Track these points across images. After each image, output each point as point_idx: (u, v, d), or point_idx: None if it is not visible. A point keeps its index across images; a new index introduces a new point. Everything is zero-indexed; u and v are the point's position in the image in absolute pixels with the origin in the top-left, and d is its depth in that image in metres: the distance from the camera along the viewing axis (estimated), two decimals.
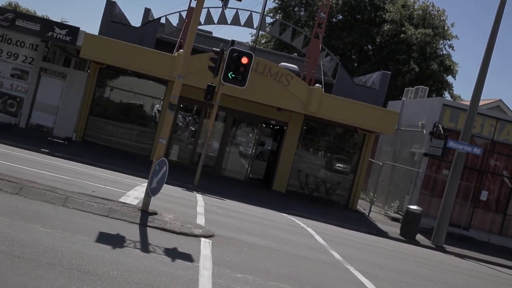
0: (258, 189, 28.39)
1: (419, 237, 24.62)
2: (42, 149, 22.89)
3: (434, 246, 23.89)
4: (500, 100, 41.05)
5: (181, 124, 31.11)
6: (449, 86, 51.73)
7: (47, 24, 27.44)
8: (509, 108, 40.63)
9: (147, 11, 36.93)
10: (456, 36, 52.59)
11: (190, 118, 31.20)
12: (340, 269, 13.11)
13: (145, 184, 13.81)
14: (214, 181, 26.63)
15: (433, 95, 44.96)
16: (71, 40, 26.80)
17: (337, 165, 30.90)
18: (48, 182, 14.35)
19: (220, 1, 13.14)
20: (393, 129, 27.95)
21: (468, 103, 26.78)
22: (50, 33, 26.70)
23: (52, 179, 15.55)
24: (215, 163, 29.33)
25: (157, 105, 30.11)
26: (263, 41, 56.25)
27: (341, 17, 53.61)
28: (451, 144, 24.61)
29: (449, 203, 24.74)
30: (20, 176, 14.01)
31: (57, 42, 27.93)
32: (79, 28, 27.03)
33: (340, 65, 33.69)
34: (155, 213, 13.31)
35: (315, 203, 27.54)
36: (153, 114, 30.29)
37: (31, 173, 15.99)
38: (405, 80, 47.09)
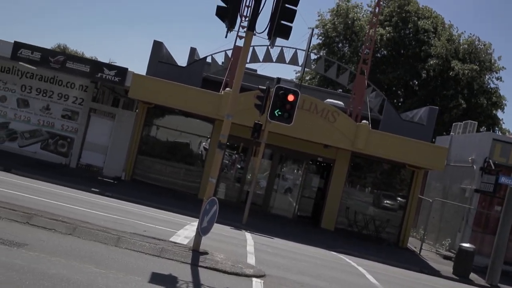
0: (307, 227, 28.14)
1: (473, 276, 24.00)
2: (92, 189, 23.12)
3: (489, 286, 23.26)
4: None
5: (227, 162, 31.18)
6: (498, 121, 50.93)
7: (96, 65, 27.98)
8: None
9: (193, 51, 37.41)
10: (503, 67, 51.91)
11: (236, 156, 31.25)
12: None
13: (195, 223, 13.83)
14: (262, 219, 26.50)
15: (482, 130, 44.30)
16: (119, 80, 27.24)
17: (385, 201, 30.47)
18: (100, 222, 14.46)
19: (268, 40, 13.16)
20: (442, 164, 27.51)
21: None
22: (99, 74, 27.19)
23: (104, 219, 15.66)
24: (262, 201, 29.26)
25: (204, 143, 30.28)
26: (307, 78, 56.33)
27: (385, 52, 53.48)
28: (503, 179, 24.12)
29: (503, 240, 24.13)
30: (73, 216, 14.15)
31: (106, 83, 28.44)
32: (127, 68, 27.46)
33: (386, 100, 33.46)
34: (206, 253, 13.27)
35: (365, 241, 27.15)
36: (200, 152, 30.45)
37: (83, 213, 16.14)
38: (453, 116, 46.52)
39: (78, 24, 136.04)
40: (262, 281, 12.18)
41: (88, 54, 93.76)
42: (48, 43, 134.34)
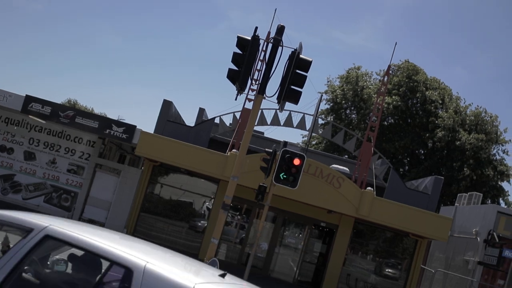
0: None
1: None
2: None
3: None
4: None
5: (230, 223, 31.07)
6: (503, 192, 50.79)
7: (105, 121, 28.23)
8: None
9: (201, 111, 37.79)
10: (510, 141, 52.06)
11: (239, 217, 31.17)
12: None
13: None
14: (261, 282, 26.07)
15: (488, 202, 44.16)
16: (127, 137, 27.45)
17: (387, 270, 30.21)
18: None
19: (277, 104, 13.32)
20: (446, 235, 27.37)
21: None
22: (107, 131, 27.42)
23: None
24: (263, 264, 29.04)
25: (207, 203, 30.26)
26: (314, 143, 56.59)
27: (392, 121, 53.83)
28: (506, 253, 24.03)
29: None
30: None
31: (113, 139, 28.65)
32: (135, 126, 27.70)
33: (392, 168, 33.54)
34: None
35: None
36: (203, 212, 30.41)
37: None
38: (461, 187, 46.41)
39: (89, 82, 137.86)
40: None
41: (97, 110, 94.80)
42: (58, 99, 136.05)
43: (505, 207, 45.70)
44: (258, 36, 12.76)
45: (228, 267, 26.07)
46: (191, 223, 29.73)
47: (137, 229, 28.68)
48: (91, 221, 28.47)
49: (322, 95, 39.75)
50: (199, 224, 29.78)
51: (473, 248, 29.13)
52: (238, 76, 12.82)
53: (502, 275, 27.34)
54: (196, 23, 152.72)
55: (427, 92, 52.35)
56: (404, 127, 52.74)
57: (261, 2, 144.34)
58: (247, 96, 30.52)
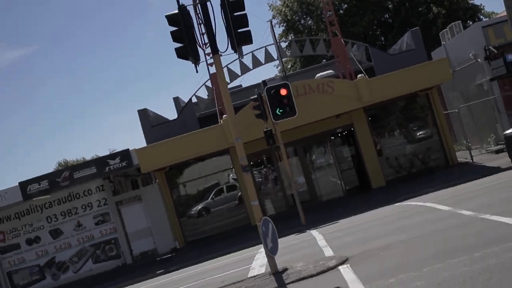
0: (361, 195, 28.05)
1: None
2: (157, 272, 23.20)
3: None
4: None
5: (261, 179, 31.20)
6: (478, 9, 50.50)
7: (100, 162, 28.10)
8: None
9: (177, 100, 37.53)
10: None
11: (265, 169, 31.27)
12: (478, 221, 12.73)
13: (262, 250, 13.81)
14: (318, 211, 26.48)
15: (469, 24, 43.89)
16: (127, 163, 27.39)
17: (418, 134, 30.35)
18: None
19: (235, 53, 13.22)
20: (449, 74, 27.42)
21: (504, 14, 26.10)
22: (107, 168, 27.36)
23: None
24: (309, 195, 29.24)
25: (231, 175, 30.36)
26: (289, 66, 56.32)
27: (345, 5, 53.26)
28: (510, 57, 24.05)
29: None
30: None
31: (117, 172, 28.55)
32: (128, 149, 27.63)
33: (369, 46, 33.42)
34: (286, 269, 13.28)
35: (418, 179, 27.02)
36: (232, 185, 30.53)
37: None
38: (438, 26, 46.14)
39: (65, 133, 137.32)
40: (348, 265, 12.15)
41: (88, 156, 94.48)
42: (50, 164, 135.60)
43: (487, 19, 45.48)
44: (184, 5, 12.60)
45: (281, 217, 26.39)
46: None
47: (186, 234, 28.89)
48: (143, 254, 28.65)
49: (271, 21, 39.40)
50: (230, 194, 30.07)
51: (479, 70, 29.15)
52: (187, 51, 12.69)
53: None
54: (128, 23, 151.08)
55: None
56: (360, 4, 52.10)
57: None
58: (207, 62, 30.27)
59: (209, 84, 31.63)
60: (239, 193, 29.32)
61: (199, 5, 12.57)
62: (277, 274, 13.04)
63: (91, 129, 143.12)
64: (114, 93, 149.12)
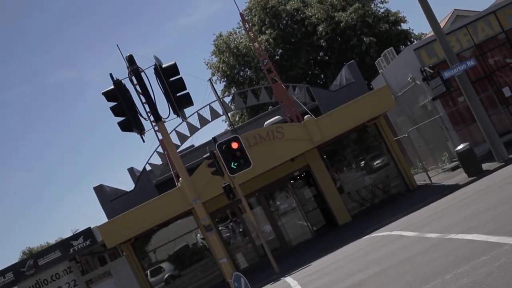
0: (329, 234, 28.08)
1: (485, 166, 24.31)
2: None
3: (503, 163, 23.55)
4: (455, 9, 41.32)
5: (228, 234, 31.08)
6: (408, 33, 51.83)
7: (63, 245, 27.69)
8: (464, 10, 40.98)
9: (131, 170, 37.34)
10: None
11: (231, 224, 31.17)
12: (444, 242, 12.88)
13: None
14: (289, 256, 26.42)
15: (402, 48, 44.99)
16: (91, 241, 27.07)
17: (375, 163, 30.67)
18: None
19: (178, 117, 13.27)
20: (392, 101, 27.97)
21: (432, 33, 26.85)
22: (71, 250, 26.99)
23: None
24: (279, 242, 29.15)
25: (198, 235, 30.17)
26: (237, 119, 56.76)
27: (280, 50, 54.16)
28: (446, 74, 24.63)
29: (485, 120, 24.60)
30: None
31: (82, 252, 28.12)
32: (90, 227, 27.35)
33: (310, 87, 33.95)
34: None
35: (382, 208, 27.23)
36: (201, 244, 30.30)
37: None
38: (373, 56, 47.12)
39: (26, 221, 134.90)
40: None
41: (52, 239, 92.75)
42: (15, 255, 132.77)
43: (417, 41, 46.70)
44: (118, 79, 12.62)
45: (255, 269, 26.23)
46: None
47: None
48: None
49: (210, 80, 39.82)
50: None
51: (420, 92, 29.75)
52: (130, 123, 12.68)
53: (458, 93, 28.00)
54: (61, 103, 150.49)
55: (287, 6, 52.72)
56: (294, 47, 53.07)
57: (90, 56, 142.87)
58: (154, 129, 30.27)
59: (160, 150, 31.61)
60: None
61: (134, 77, 12.59)
62: None
63: (50, 213, 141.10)
64: (69, 173, 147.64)
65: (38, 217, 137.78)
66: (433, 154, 31.68)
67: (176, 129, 32.73)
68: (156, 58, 12.81)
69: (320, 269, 18.80)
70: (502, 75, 29.34)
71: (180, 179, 25.92)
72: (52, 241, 75.54)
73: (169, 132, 17.42)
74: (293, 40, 53.09)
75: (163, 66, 12.79)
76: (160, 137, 29.59)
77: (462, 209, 16.90)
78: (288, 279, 19.87)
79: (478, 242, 11.42)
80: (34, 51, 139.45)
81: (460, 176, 24.93)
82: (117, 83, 12.36)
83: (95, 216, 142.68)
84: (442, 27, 25.48)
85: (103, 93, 12.50)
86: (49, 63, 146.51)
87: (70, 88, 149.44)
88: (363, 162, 30.60)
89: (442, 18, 41.84)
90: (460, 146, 24.38)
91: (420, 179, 29.97)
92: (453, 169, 28.10)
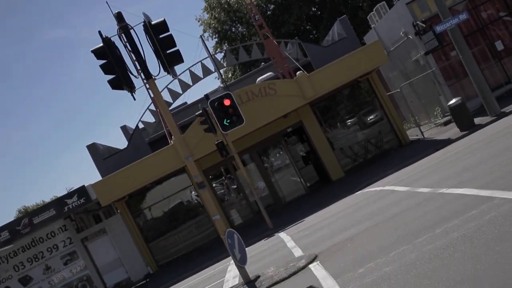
0: (322, 189, 28.22)
1: (477, 120, 24.37)
2: None
3: (496, 117, 23.58)
4: None
5: (223, 191, 31.21)
6: None
7: (58, 203, 27.74)
8: None
9: (124, 128, 37.28)
10: None
11: (226, 180, 31.28)
12: (436, 197, 12.98)
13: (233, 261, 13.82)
14: (283, 213, 26.59)
15: (394, 2, 44.61)
16: (86, 200, 27.13)
17: (368, 119, 30.66)
18: None
19: (168, 74, 13.20)
20: (384, 56, 27.84)
21: None
22: (66, 208, 27.06)
23: None
24: (273, 199, 29.31)
25: (193, 192, 30.25)
26: (230, 76, 56.53)
27: (272, 6, 53.68)
28: (438, 28, 24.50)
29: (477, 74, 24.55)
30: None
31: (77, 210, 28.22)
32: (84, 185, 27.39)
33: (302, 42, 33.71)
34: (258, 276, 13.33)
35: (375, 163, 27.36)
36: (196, 201, 30.42)
37: None
38: (365, 10, 46.77)
39: (21, 180, 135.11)
40: (318, 262, 12.26)
41: (48, 198, 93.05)
42: (11, 213, 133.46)
43: None
44: (107, 37, 12.52)
45: (249, 225, 26.43)
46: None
47: (157, 259, 28.69)
48: (118, 285, 28.43)
49: (202, 37, 39.48)
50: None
51: (412, 47, 29.63)
52: (120, 81, 12.63)
53: (450, 47, 27.88)
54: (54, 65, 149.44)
55: None
56: (286, 2, 52.57)
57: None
58: (146, 87, 30.10)
59: (152, 107, 31.49)
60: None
61: (123, 34, 12.49)
62: (250, 283, 13.08)
63: (46, 172, 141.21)
64: (64, 132, 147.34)
65: (34, 176, 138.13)
66: (426, 109, 31.71)
67: (168, 86, 32.54)
68: (145, 15, 12.71)
69: (313, 224, 18.93)
70: (495, 28, 29.20)
71: (173, 136, 25.96)
72: (48, 199, 75.79)
73: (160, 90, 17.38)
74: None
75: (152, 23, 12.70)
76: (152, 95, 29.43)
77: (454, 164, 16.97)
78: (282, 234, 20.02)
79: (468, 197, 11.50)
80: (24, 10, 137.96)
81: (453, 130, 25.00)
82: (106, 41, 12.28)
83: (89, 174, 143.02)
84: None
85: (92, 51, 12.43)
86: (42, 23, 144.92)
87: (63, 47, 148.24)
88: (355, 117, 30.57)
89: None
90: (453, 101, 24.39)
91: (412, 134, 30.07)
92: (446, 123, 28.17)
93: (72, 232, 28.66)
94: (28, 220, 27.18)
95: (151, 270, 28.13)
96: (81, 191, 27.26)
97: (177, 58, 12.91)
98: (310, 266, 12.25)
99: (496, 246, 7.96)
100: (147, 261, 28.32)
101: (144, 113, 32.82)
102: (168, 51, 12.75)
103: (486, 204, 10.27)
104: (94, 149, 30.40)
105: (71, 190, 31.14)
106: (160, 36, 12.71)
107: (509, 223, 8.69)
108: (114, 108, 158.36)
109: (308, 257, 13.05)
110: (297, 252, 14.71)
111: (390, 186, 18.46)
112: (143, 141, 30.96)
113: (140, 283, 26.89)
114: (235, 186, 30.48)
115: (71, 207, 27.09)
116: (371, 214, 15.01)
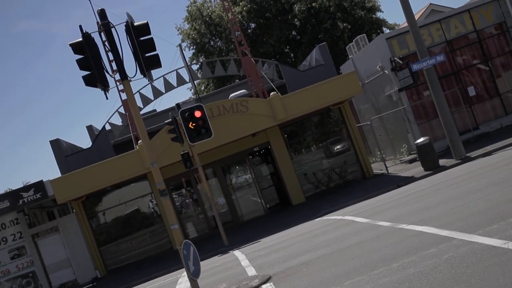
0: (282, 212, 28.18)
1: (442, 161, 24.60)
2: None
3: (460, 161, 23.85)
4: (430, 3, 41.53)
5: (179, 203, 30.93)
6: (382, 22, 51.93)
7: (13, 195, 27.18)
8: (440, 5, 41.21)
9: (90, 128, 36.94)
10: None
11: (185, 192, 31.04)
12: (395, 231, 13.00)
13: (185, 274, 13.64)
14: (240, 231, 26.46)
15: (374, 37, 45.17)
16: (42, 195, 26.61)
17: (335, 148, 30.80)
18: None
19: (145, 78, 13.06)
20: (358, 87, 28.02)
21: (406, 25, 26.90)
22: (20, 202, 26.50)
23: None
24: (231, 216, 29.18)
25: (152, 202, 29.94)
26: (203, 88, 56.43)
27: (253, 24, 53.88)
28: (414, 67, 24.75)
29: (447, 116, 24.80)
30: None
31: (31, 204, 27.67)
32: (42, 180, 26.90)
33: (279, 64, 33.83)
34: None
35: (337, 193, 27.41)
36: (152, 210, 30.11)
37: None
38: (345, 40, 47.17)
39: None
40: (271, 283, 12.16)
41: (1, 190, 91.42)
42: None
43: (390, 31, 46.84)
44: (87, 32, 12.35)
45: (204, 240, 26.21)
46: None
47: (106, 263, 28.28)
48: (63, 285, 27.92)
49: (180, 45, 39.39)
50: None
51: (387, 82, 29.90)
52: (95, 78, 12.44)
53: (424, 87, 28.22)
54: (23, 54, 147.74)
55: None
56: (267, 23, 52.85)
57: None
58: (118, 89, 29.94)
59: (122, 110, 31.23)
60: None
61: (103, 32, 12.34)
62: None
63: (2, 163, 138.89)
64: (25, 124, 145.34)
65: None
66: (393, 144, 31.96)
67: (140, 91, 32.40)
68: (129, 15, 12.57)
69: (269, 246, 18.83)
70: (469, 74, 29.65)
71: (139, 141, 25.72)
72: (1, 191, 74.42)
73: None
74: (267, 15, 52.83)
75: (135, 24, 12.57)
76: (124, 97, 29.25)
77: (415, 201, 17.05)
78: (237, 252, 19.88)
79: (428, 235, 11.53)
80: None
81: (417, 169, 25.20)
82: (86, 36, 12.10)
83: (48, 170, 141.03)
84: (416, 19, 25.51)
85: (70, 44, 12.23)
86: (16, 13, 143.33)
87: (36, 39, 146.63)
88: (322, 145, 30.65)
89: (418, 11, 42.05)
90: (420, 140, 24.60)
91: (377, 168, 30.23)
92: (411, 161, 28.41)
93: (24, 227, 28.09)
94: None
95: (99, 274, 27.70)
96: (38, 186, 26.75)
97: (155, 62, 12.78)
98: (263, 286, 12.14)
99: (452, 286, 7.96)
100: (96, 264, 27.89)
101: (113, 115, 32.59)
102: (147, 54, 12.62)
103: (445, 244, 10.30)
104: (57, 145, 30.02)
105: (27, 184, 30.60)
106: (141, 38, 12.57)
107: (466, 265, 8.71)
108: (80, 106, 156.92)
109: (262, 277, 12.94)
110: (251, 272, 14.57)
111: (350, 216, 18.47)
112: (108, 142, 30.69)
113: (86, 286, 26.45)
114: (194, 199, 30.25)
115: (26, 201, 26.56)
116: (329, 241, 14.97)
